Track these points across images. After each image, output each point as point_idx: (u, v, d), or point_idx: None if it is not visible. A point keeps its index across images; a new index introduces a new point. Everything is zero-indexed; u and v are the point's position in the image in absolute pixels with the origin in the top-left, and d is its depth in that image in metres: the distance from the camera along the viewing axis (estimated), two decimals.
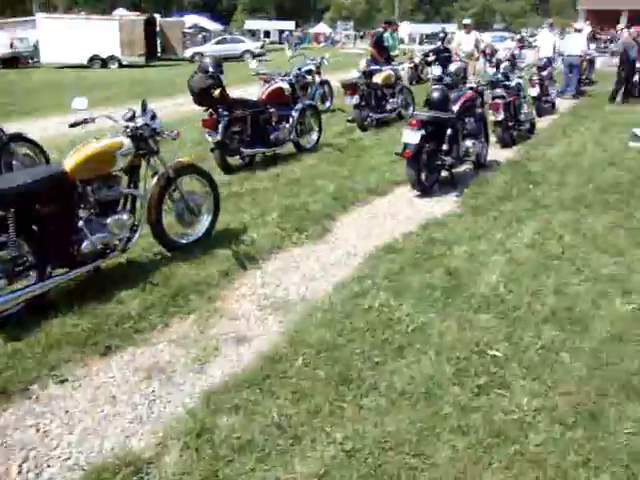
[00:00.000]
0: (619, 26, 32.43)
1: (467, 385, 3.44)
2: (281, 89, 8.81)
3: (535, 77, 13.00)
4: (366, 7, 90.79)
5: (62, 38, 28.47)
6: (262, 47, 35.61)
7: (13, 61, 29.66)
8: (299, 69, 10.13)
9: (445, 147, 7.09)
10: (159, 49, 33.53)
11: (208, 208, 5.63)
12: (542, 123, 12.16)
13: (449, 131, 7.13)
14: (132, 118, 4.85)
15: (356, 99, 10.76)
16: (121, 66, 30.01)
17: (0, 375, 3.50)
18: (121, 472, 2.80)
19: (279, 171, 8.05)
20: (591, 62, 19.99)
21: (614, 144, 10.17)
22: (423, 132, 6.73)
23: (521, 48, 23.63)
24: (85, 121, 4.63)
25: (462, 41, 15.94)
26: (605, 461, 2.88)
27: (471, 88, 8.06)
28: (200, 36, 41.37)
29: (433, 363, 3.66)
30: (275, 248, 5.59)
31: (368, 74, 11.85)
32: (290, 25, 59.42)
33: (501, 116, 9.43)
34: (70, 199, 4.40)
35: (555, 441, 3.01)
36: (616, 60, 16.70)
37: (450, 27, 47.97)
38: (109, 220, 4.61)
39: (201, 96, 7.69)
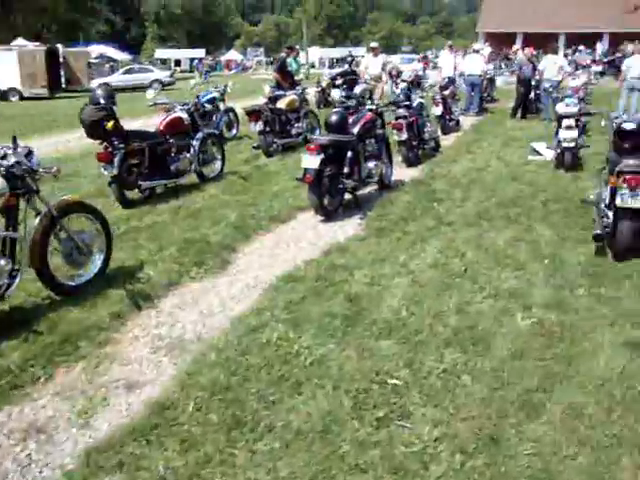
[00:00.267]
0: (515, 47, 33.87)
1: (366, 418, 3.30)
2: (180, 119, 8.59)
3: (438, 96, 13.28)
4: (276, 33, 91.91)
5: None
6: (171, 76, 35.14)
7: None
8: (197, 97, 9.90)
9: (346, 170, 7.03)
10: (63, 80, 32.48)
11: (99, 247, 5.32)
12: (447, 141, 12.41)
13: (349, 154, 7.07)
14: (4, 157, 4.52)
15: (259, 125, 10.65)
16: (23, 99, 28.86)
17: None
18: None
19: (180, 203, 7.79)
20: (492, 81, 20.70)
21: (515, 159, 10.46)
22: (322, 156, 6.64)
23: (425, 69, 24.31)
24: None
25: (369, 64, 16.08)
26: None
27: (370, 110, 8.07)
28: (107, 66, 40.48)
29: (331, 397, 3.50)
30: (173, 284, 5.34)
31: (273, 99, 11.80)
32: (201, 53, 59.19)
33: (404, 136, 9.51)
34: None
35: (456, 472, 2.91)
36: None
37: (359, 50, 49.15)
38: None
39: (93, 129, 7.36)
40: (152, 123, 10.22)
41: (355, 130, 7.39)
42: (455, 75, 17.11)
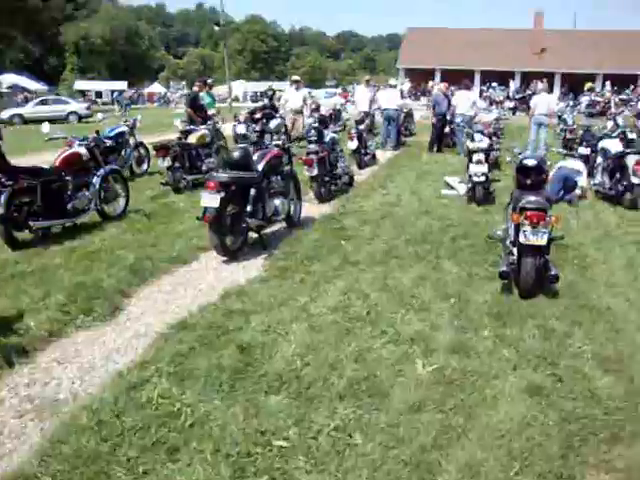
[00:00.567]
0: (430, 83, 34.83)
1: None
2: (78, 154, 8.14)
3: (353, 131, 13.23)
4: (201, 67, 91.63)
5: None
6: (88, 108, 34.15)
7: None
8: (96, 132, 9.41)
9: (249, 208, 6.74)
10: None
11: None
12: (362, 175, 12.34)
13: (253, 191, 6.79)
14: None
15: (167, 161, 10.27)
16: None
17: None
18: None
19: (76, 244, 7.29)
20: (410, 115, 21.01)
21: (428, 193, 10.45)
22: (223, 195, 6.32)
23: (346, 103, 24.52)
24: None
25: (290, 97, 15.94)
26: None
27: (277, 145, 7.84)
28: (22, 97, 39.14)
29: (209, 464, 3.15)
30: (54, 335, 4.87)
31: (186, 134, 11.47)
32: (123, 85, 58.13)
33: (315, 171, 9.33)
34: None
35: None
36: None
37: (283, 85, 49.37)
38: None
39: None
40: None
41: (260, 167, 7.12)
42: (373, 110, 17.24)
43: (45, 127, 8.83)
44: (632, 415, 3.59)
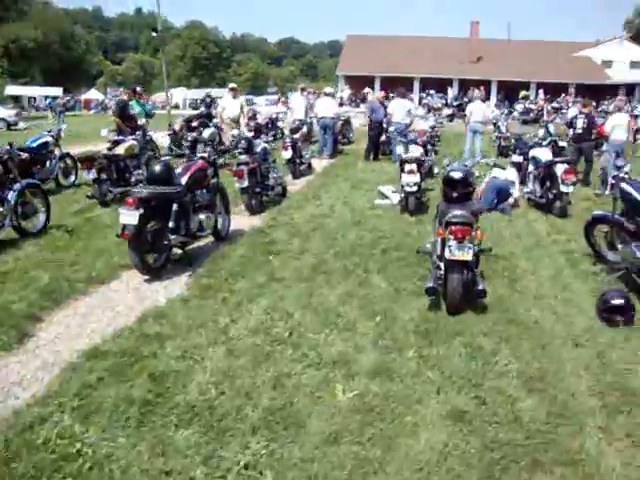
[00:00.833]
0: (366, 89, 34.96)
1: None
2: None
3: (287, 140, 13.02)
4: (141, 73, 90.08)
5: None
6: (17, 115, 32.90)
7: None
8: (9, 144, 8.92)
9: (171, 224, 6.44)
10: None
11: None
12: (297, 185, 12.15)
13: (175, 206, 6.51)
14: None
15: (93, 173, 9.85)
16: None
17: None
18: None
19: None
20: (348, 122, 20.94)
21: (362, 203, 10.33)
22: (142, 211, 6.02)
23: (287, 110, 24.25)
24: None
25: (228, 105, 15.41)
26: None
27: (202, 158, 7.56)
28: None
29: None
30: None
31: (115, 144, 11.06)
32: (58, 91, 56.36)
33: (246, 183, 9.09)
34: None
35: None
36: None
37: (223, 91, 48.85)
38: None
39: None
40: None
41: (183, 180, 6.83)
42: (310, 118, 17.08)
43: None
44: (553, 438, 3.49)
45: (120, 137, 11.62)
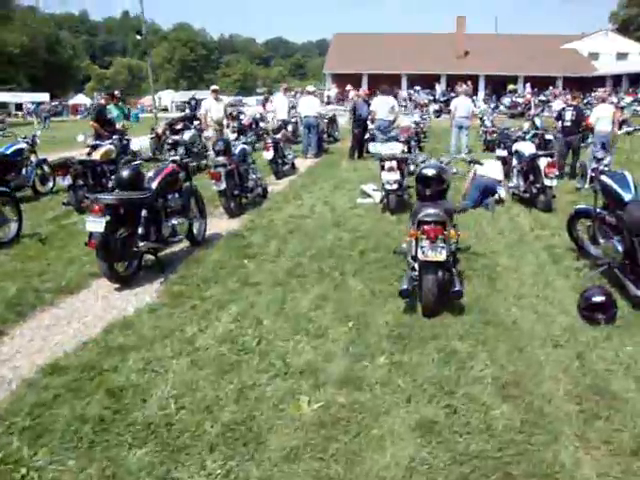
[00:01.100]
0: (348, 87, 34.67)
1: None
2: None
3: (269, 140, 12.82)
4: (129, 77, 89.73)
5: None
6: (1, 122, 32.61)
7: None
8: None
9: (141, 231, 6.24)
10: None
11: None
12: (279, 186, 11.98)
13: (144, 212, 6.30)
14: None
15: (68, 179, 9.65)
16: None
17: None
18: None
19: None
20: (333, 120, 20.78)
21: (343, 202, 10.16)
22: (108, 218, 5.82)
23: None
24: None
25: (212, 107, 15.15)
26: None
27: (174, 161, 7.36)
28: None
29: None
30: None
31: (93, 149, 10.87)
32: (45, 97, 55.99)
33: (223, 185, 8.89)
34: None
35: None
36: None
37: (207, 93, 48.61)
38: None
39: None
40: None
41: (153, 185, 6.63)
42: (292, 117, 16.90)
43: None
44: (526, 449, 3.31)
45: (97, 142, 11.44)
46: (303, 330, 4.92)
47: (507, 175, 10.90)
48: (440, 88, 41.52)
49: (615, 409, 3.69)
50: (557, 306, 5.45)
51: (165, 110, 54.28)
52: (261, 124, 17.96)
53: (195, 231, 7.60)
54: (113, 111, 13.32)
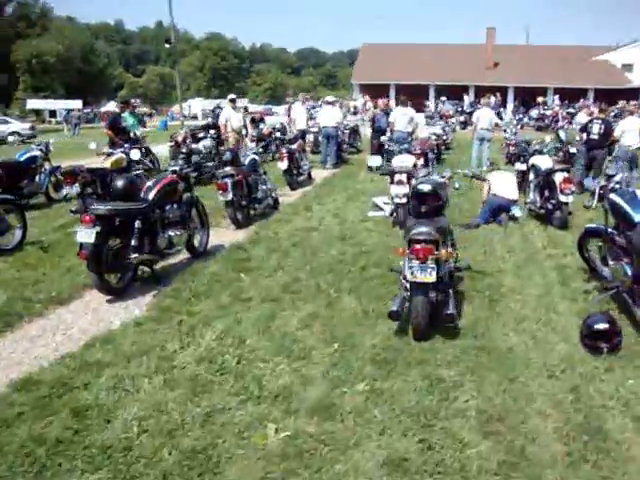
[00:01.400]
0: (363, 99, 34.29)
1: None
2: None
3: (284, 150, 12.68)
4: (160, 85, 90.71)
5: None
6: (32, 128, 33.08)
7: None
8: None
9: (134, 243, 6.11)
10: None
11: None
12: (292, 197, 11.82)
13: (137, 223, 6.17)
14: None
15: (76, 187, 9.61)
16: None
17: None
18: None
19: None
20: (355, 131, 20.60)
21: (354, 215, 9.96)
22: (99, 229, 5.70)
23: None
24: None
25: (231, 116, 15.10)
26: None
27: (174, 172, 7.24)
28: None
29: None
30: None
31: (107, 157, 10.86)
32: (78, 104, 56.83)
33: (230, 196, 8.77)
34: None
35: None
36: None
37: (243, 101, 48.78)
38: None
39: None
40: None
41: (150, 196, 6.51)
42: (314, 127, 16.77)
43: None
44: None
45: (111, 150, 11.43)
46: (286, 350, 4.73)
47: (524, 190, 10.56)
48: (468, 99, 41.07)
49: (605, 452, 3.41)
50: (559, 332, 5.16)
51: (195, 118, 54.58)
52: (277, 134, 17.81)
53: (196, 243, 7.48)
54: (128, 119, 13.33)
